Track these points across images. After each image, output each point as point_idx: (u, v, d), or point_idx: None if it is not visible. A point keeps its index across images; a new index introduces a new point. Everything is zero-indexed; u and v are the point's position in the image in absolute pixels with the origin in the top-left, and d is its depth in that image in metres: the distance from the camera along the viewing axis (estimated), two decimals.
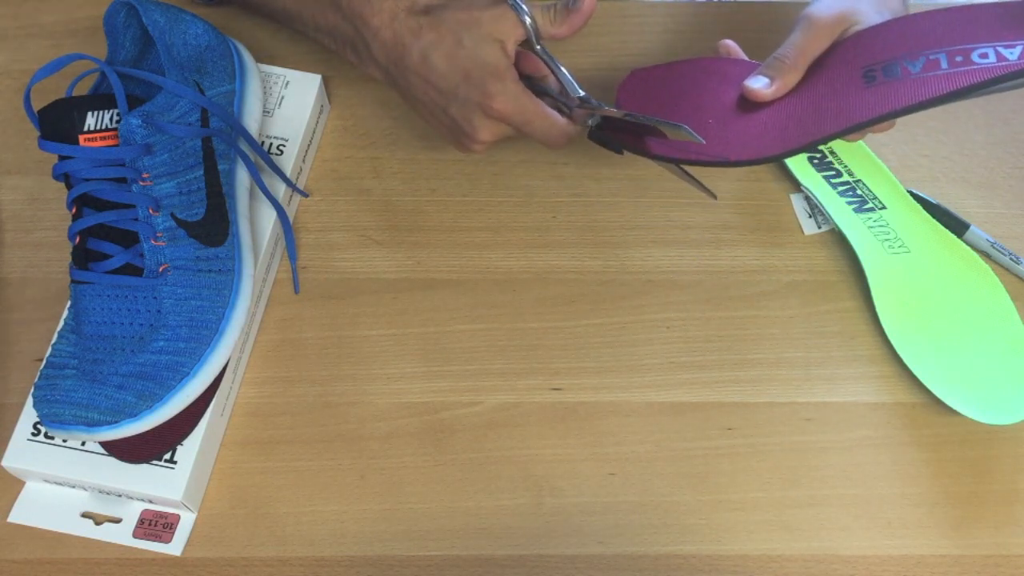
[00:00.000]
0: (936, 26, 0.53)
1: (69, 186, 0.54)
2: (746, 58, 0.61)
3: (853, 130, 0.52)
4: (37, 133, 0.53)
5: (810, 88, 0.55)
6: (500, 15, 0.56)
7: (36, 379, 0.53)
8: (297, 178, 0.65)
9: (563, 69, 0.58)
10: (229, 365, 0.56)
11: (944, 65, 0.51)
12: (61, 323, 0.56)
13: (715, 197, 0.61)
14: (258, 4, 0.67)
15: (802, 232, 0.66)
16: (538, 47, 0.58)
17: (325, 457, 0.58)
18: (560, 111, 0.59)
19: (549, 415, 0.59)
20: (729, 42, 0.62)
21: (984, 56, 0.50)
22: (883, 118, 0.52)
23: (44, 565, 0.54)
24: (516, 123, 0.57)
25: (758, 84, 0.56)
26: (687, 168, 0.59)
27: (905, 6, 0.60)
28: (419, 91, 0.59)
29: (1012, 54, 0.49)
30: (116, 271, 0.53)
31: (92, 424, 0.50)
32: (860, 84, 0.53)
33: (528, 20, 0.57)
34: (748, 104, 0.57)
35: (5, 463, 0.54)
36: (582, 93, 0.58)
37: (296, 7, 0.63)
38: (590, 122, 0.58)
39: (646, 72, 0.63)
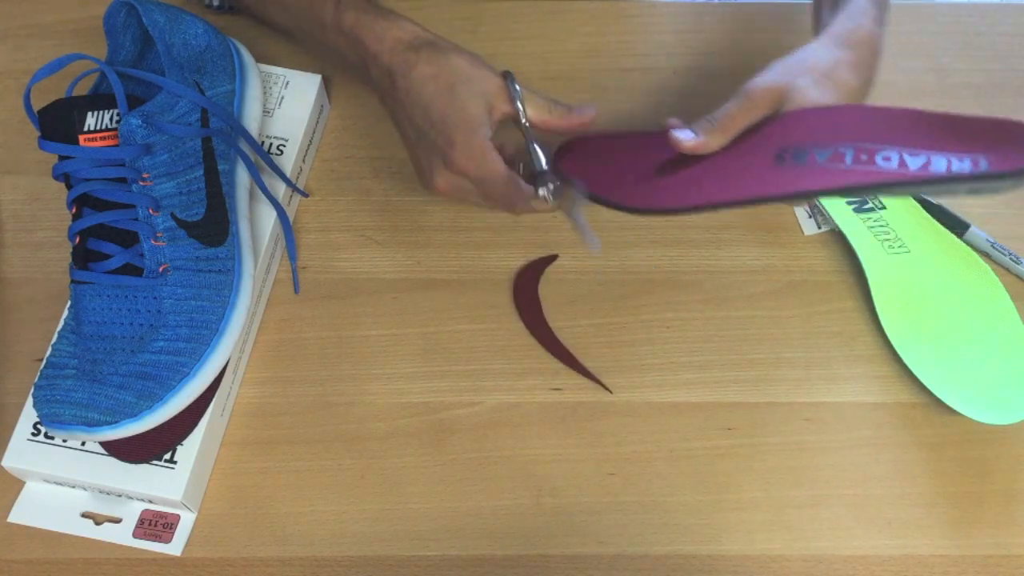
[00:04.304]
0: (855, 121, 0.54)
1: (69, 186, 0.54)
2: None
3: (747, 203, 0.53)
4: (37, 133, 0.53)
5: (727, 157, 0.56)
6: (500, 86, 0.56)
7: (36, 379, 0.53)
8: (297, 178, 0.65)
9: (535, 145, 0.58)
10: (229, 365, 0.56)
11: (848, 161, 0.52)
12: (61, 323, 0.56)
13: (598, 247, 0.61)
14: (271, 21, 0.67)
15: (802, 232, 0.66)
16: (524, 122, 0.57)
17: (325, 457, 0.58)
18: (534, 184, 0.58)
19: (549, 415, 0.59)
20: (674, 120, 0.59)
21: (887, 159, 0.51)
22: (775, 199, 0.53)
23: (44, 565, 0.54)
24: (473, 179, 0.56)
25: (683, 135, 0.55)
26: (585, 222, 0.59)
27: (858, 77, 0.56)
28: (399, 120, 0.59)
29: (914, 163, 0.50)
30: (116, 271, 0.53)
31: (92, 424, 0.50)
32: (770, 163, 0.54)
33: (519, 105, 0.56)
34: (670, 165, 0.57)
35: (5, 463, 0.54)
36: (545, 167, 0.57)
37: (306, 27, 0.63)
38: (541, 192, 0.57)
39: (591, 141, 0.62)
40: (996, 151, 0.50)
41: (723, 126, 0.55)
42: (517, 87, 0.57)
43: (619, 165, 0.59)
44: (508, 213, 0.59)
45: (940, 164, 0.50)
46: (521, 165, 0.58)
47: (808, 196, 0.53)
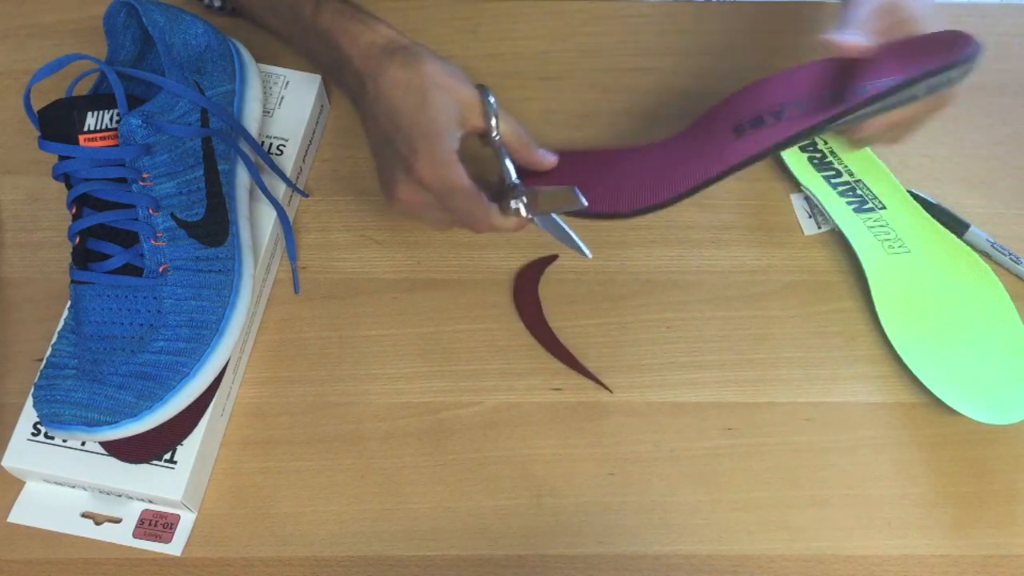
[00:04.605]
0: (794, 84, 0.60)
1: (69, 186, 0.54)
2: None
3: (727, 173, 0.56)
4: (37, 133, 0.53)
5: (689, 148, 0.59)
6: (474, 99, 0.55)
7: (36, 379, 0.53)
8: (297, 178, 0.65)
9: (507, 160, 0.57)
10: (229, 365, 0.56)
11: (803, 110, 0.57)
12: (61, 323, 0.56)
13: (588, 255, 0.59)
14: (261, 22, 0.67)
15: (802, 232, 0.66)
16: (495, 136, 0.56)
17: (325, 457, 0.58)
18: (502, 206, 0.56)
19: (549, 415, 0.59)
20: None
21: (836, 98, 0.57)
22: (756, 158, 0.56)
23: (44, 565, 0.54)
24: (436, 191, 0.54)
25: (846, 37, 0.56)
26: (568, 226, 0.58)
27: None
28: (367, 127, 0.57)
29: (863, 92, 0.56)
30: (116, 271, 0.53)
31: (92, 424, 0.50)
32: (731, 138, 0.58)
33: (493, 120, 0.55)
34: (636, 166, 0.59)
35: (5, 463, 0.54)
36: (516, 180, 0.56)
37: (288, 28, 0.63)
38: (512, 204, 0.56)
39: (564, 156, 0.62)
40: (924, 60, 0.56)
41: (866, 31, 0.57)
42: (492, 101, 0.55)
43: (589, 177, 0.59)
44: (468, 230, 0.57)
45: (881, 86, 0.56)
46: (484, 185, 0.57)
47: (781, 147, 0.56)
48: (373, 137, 0.57)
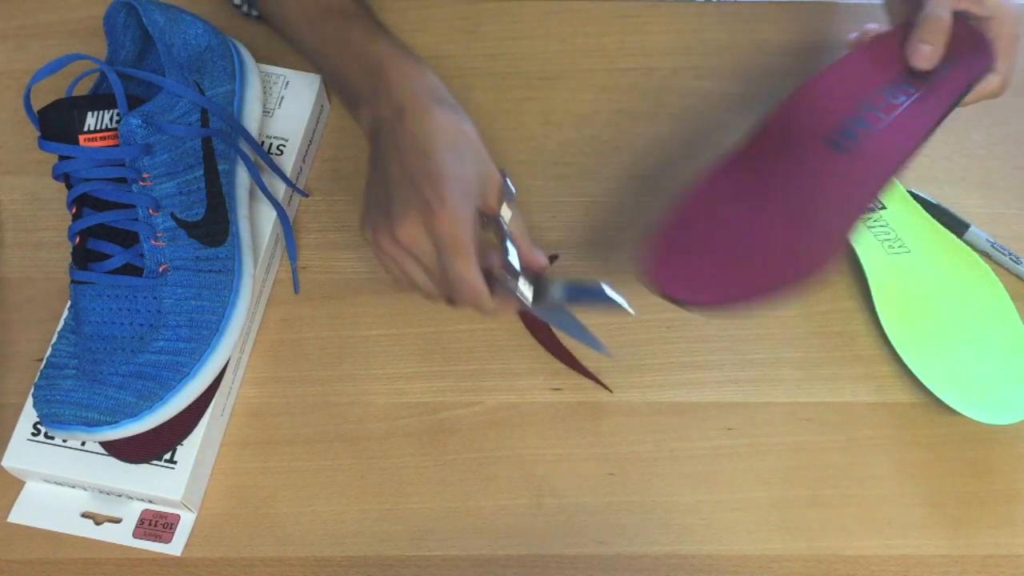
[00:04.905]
0: (849, 74, 0.58)
1: (69, 186, 0.54)
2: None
3: (866, 207, 0.54)
4: (37, 133, 0.53)
5: (794, 182, 0.55)
6: (497, 179, 0.55)
7: (36, 379, 0.53)
8: (297, 178, 0.65)
9: (510, 242, 0.54)
10: (229, 365, 0.56)
11: (884, 117, 0.56)
12: (61, 323, 0.56)
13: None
14: (292, 38, 0.66)
15: None
16: (502, 219, 0.55)
17: (325, 457, 0.58)
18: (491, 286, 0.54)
19: (549, 415, 0.59)
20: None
21: (895, 96, 0.57)
22: (894, 173, 0.55)
23: (44, 565, 0.54)
24: (442, 246, 0.52)
25: (924, 56, 0.58)
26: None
27: None
28: (387, 156, 0.55)
29: (915, 87, 0.57)
30: (116, 271, 0.53)
31: (92, 424, 0.50)
32: (830, 153, 0.55)
33: (505, 205, 0.55)
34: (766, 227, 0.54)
35: (5, 463, 0.54)
36: (519, 268, 0.54)
37: (322, 49, 0.62)
38: (519, 287, 0.54)
39: (670, 227, 0.56)
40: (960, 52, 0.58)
41: (949, 20, 0.58)
42: (512, 188, 0.55)
43: (719, 243, 0.55)
44: (441, 301, 0.56)
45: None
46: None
47: (902, 166, 0.55)
48: (389, 169, 0.54)
